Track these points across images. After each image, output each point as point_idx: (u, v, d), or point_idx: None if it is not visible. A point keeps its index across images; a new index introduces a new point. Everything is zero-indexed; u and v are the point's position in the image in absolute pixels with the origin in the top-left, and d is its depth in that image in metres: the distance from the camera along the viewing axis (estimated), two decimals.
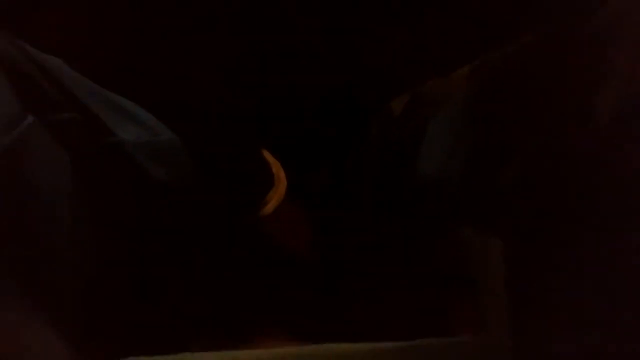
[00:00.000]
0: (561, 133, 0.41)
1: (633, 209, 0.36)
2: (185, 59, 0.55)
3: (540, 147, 0.43)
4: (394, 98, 0.65)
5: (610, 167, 0.37)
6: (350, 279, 0.67)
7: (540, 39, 0.47)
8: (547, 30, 0.46)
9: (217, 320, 0.64)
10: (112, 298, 0.51)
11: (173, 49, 0.55)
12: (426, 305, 0.62)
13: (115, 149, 0.49)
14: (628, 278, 0.35)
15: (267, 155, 0.65)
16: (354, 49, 0.61)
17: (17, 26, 0.47)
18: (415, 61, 0.61)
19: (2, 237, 0.38)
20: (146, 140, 0.52)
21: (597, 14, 0.41)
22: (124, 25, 0.52)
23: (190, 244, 0.59)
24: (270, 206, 0.64)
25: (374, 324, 0.62)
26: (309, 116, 0.66)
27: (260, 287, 0.66)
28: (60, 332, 0.41)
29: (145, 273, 0.57)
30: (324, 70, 0.63)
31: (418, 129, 0.59)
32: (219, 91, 0.59)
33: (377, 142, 0.67)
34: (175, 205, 0.55)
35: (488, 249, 0.52)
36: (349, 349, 0.52)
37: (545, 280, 0.40)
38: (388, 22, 0.59)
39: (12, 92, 0.40)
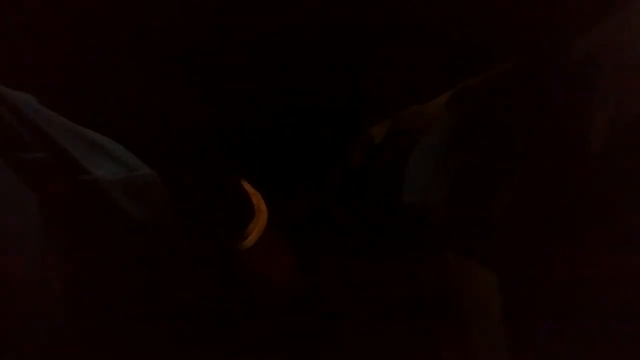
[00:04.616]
0: (550, 159, 0.41)
1: (628, 235, 0.36)
2: (160, 92, 0.54)
3: (529, 174, 0.43)
4: (374, 125, 0.64)
5: (604, 190, 0.37)
6: (333, 308, 0.66)
7: (522, 66, 0.47)
8: (529, 57, 0.47)
9: (199, 356, 0.62)
10: (82, 345, 0.48)
11: (148, 83, 0.53)
12: (413, 337, 0.61)
13: (90, 186, 0.47)
14: (628, 306, 0.35)
15: (247, 186, 0.64)
16: (334, 77, 0.60)
17: None
18: (395, 88, 0.61)
19: None
20: (122, 177, 0.50)
21: (578, 41, 0.41)
22: (97, 60, 0.51)
23: (170, 281, 0.57)
24: (252, 238, 0.62)
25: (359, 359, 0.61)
26: (288, 145, 0.66)
27: (243, 320, 0.65)
28: None
29: (122, 313, 0.55)
30: (303, 98, 0.62)
31: (400, 156, 0.58)
32: (196, 124, 0.57)
33: (359, 169, 0.66)
34: (154, 242, 0.53)
35: (477, 276, 0.51)
36: None
37: (543, 310, 0.40)
38: (368, 50, 0.59)
39: None
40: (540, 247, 0.42)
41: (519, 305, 0.43)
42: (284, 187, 0.68)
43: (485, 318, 0.50)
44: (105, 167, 0.49)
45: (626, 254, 0.36)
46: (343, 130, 0.67)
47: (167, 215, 0.54)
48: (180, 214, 0.56)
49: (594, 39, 0.39)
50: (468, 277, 0.57)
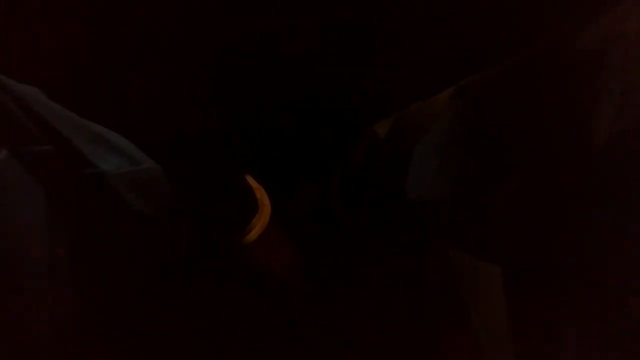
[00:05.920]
0: (555, 153, 0.41)
1: (634, 226, 0.35)
2: (166, 87, 0.54)
3: (533, 167, 0.43)
4: (378, 121, 0.64)
5: (610, 184, 0.37)
6: (335, 305, 0.66)
7: (526, 59, 0.47)
8: (533, 50, 0.46)
9: (203, 349, 0.62)
10: (88, 337, 0.48)
11: (154, 78, 0.53)
12: (417, 333, 0.61)
13: (95, 180, 0.47)
14: (634, 301, 0.35)
15: (251, 180, 0.64)
16: (338, 74, 0.61)
17: None
18: (398, 84, 0.61)
19: None
20: (127, 170, 0.50)
21: (584, 33, 0.41)
22: (103, 54, 0.51)
23: (174, 274, 0.57)
24: (255, 232, 0.63)
25: (360, 355, 0.61)
26: (292, 140, 0.66)
27: (245, 313, 0.65)
28: None
29: (125, 306, 0.55)
30: (307, 95, 0.63)
31: (404, 152, 0.58)
32: (201, 118, 0.58)
33: (362, 165, 0.66)
34: (158, 236, 0.53)
35: (481, 272, 0.51)
36: None
37: (549, 306, 0.40)
38: (371, 46, 0.59)
39: None
40: (545, 241, 0.42)
41: (524, 301, 0.43)
42: (286, 186, 0.68)
43: (490, 314, 0.50)
44: (110, 161, 0.49)
45: (633, 247, 0.36)
46: (346, 127, 0.67)
47: (171, 209, 0.55)
48: (184, 208, 0.56)
49: (599, 30, 0.39)
50: (472, 273, 0.57)
